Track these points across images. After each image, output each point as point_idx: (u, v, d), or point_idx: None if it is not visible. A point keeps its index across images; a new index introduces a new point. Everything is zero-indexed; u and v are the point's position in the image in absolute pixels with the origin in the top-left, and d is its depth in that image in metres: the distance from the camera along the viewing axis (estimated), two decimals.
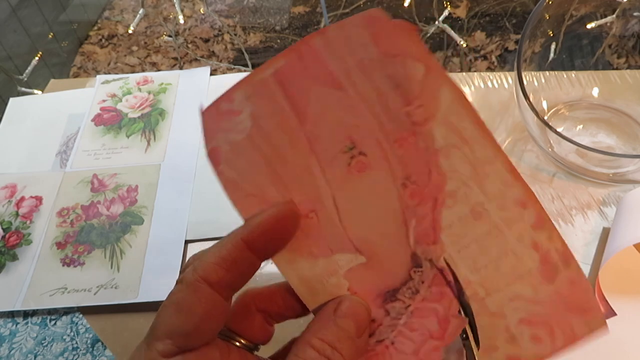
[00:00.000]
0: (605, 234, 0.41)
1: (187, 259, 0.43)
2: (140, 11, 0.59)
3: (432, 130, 0.22)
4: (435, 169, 0.22)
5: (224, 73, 0.62)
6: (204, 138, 0.23)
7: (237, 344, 0.23)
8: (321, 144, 0.23)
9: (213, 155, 0.24)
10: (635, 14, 0.51)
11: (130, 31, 0.66)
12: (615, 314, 0.36)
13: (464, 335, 0.22)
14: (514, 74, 0.44)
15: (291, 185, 0.23)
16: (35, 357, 0.39)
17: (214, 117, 0.23)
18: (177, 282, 0.21)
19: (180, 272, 0.23)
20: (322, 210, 0.23)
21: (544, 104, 0.51)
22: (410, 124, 0.22)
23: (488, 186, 0.22)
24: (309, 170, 0.23)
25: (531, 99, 0.43)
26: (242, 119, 0.23)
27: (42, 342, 0.40)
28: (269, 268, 0.37)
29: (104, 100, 0.57)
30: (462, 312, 0.22)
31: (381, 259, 0.23)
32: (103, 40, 1.77)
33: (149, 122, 0.55)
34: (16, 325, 0.41)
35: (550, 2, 0.46)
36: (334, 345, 0.21)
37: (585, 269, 0.40)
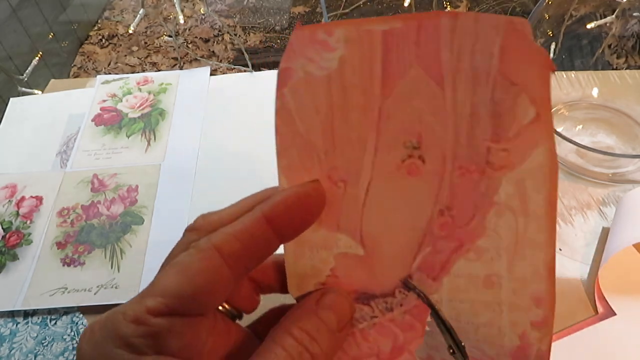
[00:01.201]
0: (605, 234, 0.41)
1: None
2: (141, 11, 0.59)
3: (501, 181, 0.20)
4: (480, 218, 0.20)
5: (224, 73, 0.62)
6: (284, 55, 0.21)
7: (221, 308, 0.22)
8: (390, 125, 0.21)
9: (283, 74, 0.21)
10: (634, 14, 0.51)
11: (130, 31, 0.66)
12: (615, 314, 0.36)
13: (452, 350, 0.22)
14: None
15: (339, 146, 0.21)
16: (35, 356, 0.39)
17: (305, 40, 0.21)
18: (189, 246, 0.20)
19: (187, 230, 0.22)
20: (352, 186, 0.21)
21: None
22: (484, 161, 0.20)
23: (517, 267, 0.20)
24: (363, 143, 0.21)
25: None
26: (332, 56, 0.21)
27: (43, 341, 0.40)
28: None
29: (104, 100, 0.57)
30: (454, 347, 0.22)
31: (377, 262, 0.22)
32: (103, 40, 1.78)
33: (149, 122, 0.55)
34: (16, 325, 0.41)
35: (550, 2, 0.46)
36: (313, 335, 0.20)
37: (585, 269, 0.40)
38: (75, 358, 0.39)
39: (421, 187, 0.21)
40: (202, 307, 0.20)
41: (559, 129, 0.48)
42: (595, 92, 0.52)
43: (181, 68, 0.63)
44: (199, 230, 0.22)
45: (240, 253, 0.20)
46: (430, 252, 0.21)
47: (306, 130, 0.22)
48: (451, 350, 0.22)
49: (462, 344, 0.22)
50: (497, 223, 0.20)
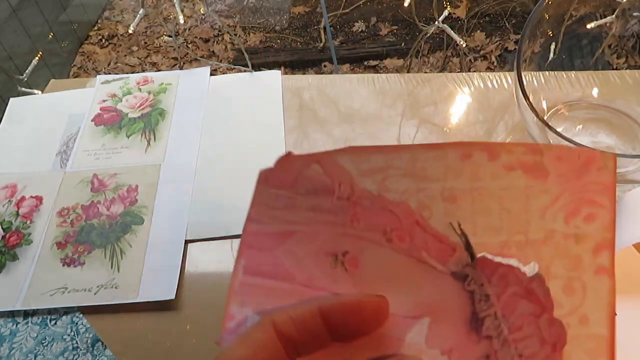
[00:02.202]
0: None
1: (187, 259, 0.43)
2: (140, 11, 0.59)
3: (362, 189, 0.22)
4: (394, 208, 0.22)
5: (224, 73, 0.62)
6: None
7: None
8: (315, 279, 0.23)
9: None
10: (634, 14, 0.51)
11: (130, 31, 0.66)
12: (615, 314, 0.36)
13: None
14: (514, 74, 0.44)
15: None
16: (35, 356, 0.39)
17: (231, 339, 0.23)
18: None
19: None
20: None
21: (544, 104, 0.51)
22: (346, 202, 0.22)
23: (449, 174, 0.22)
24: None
25: (531, 99, 0.43)
26: (251, 320, 0.23)
27: (42, 341, 0.40)
28: None
29: (104, 100, 0.57)
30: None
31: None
32: (103, 40, 1.78)
33: (149, 122, 0.55)
34: (16, 325, 0.41)
35: (550, 2, 0.46)
36: None
37: None
38: (74, 358, 0.39)
39: (368, 254, 0.23)
40: None
41: (559, 129, 0.48)
42: (595, 92, 0.52)
43: (181, 68, 0.63)
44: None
45: (293, 336, 0.21)
46: (427, 251, 0.22)
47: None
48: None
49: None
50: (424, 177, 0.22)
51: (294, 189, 0.23)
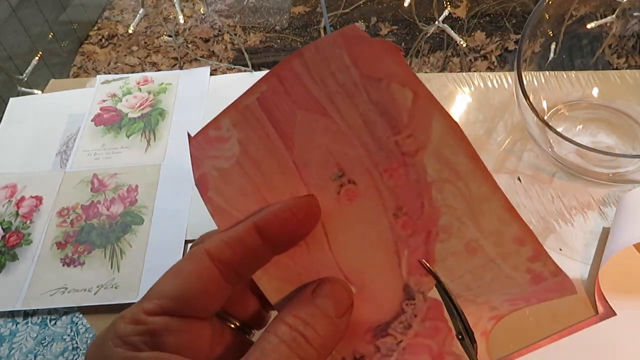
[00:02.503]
0: (605, 234, 0.41)
1: None
2: (140, 11, 0.59)
3: (424, 163, 0.21)
4: (427, 202, 0.21)
5: (224, 73, 0.62)
6: (192, 165, 0.23)
7: (232, 325, 0.23)
8: (309, 170, 0.22)
9: (201, 182, 0.23)
10: (635, 14, 0.51)
11: (130, 31, 0.66)
12: (615, 314, 0.36)
13: (460, 336, 0.22)
14: (514, 74, 0.44)
15: None
16: (35, 357, 0.39)
17: (202, 144, 0.23)
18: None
19: (191, 245, 0.23)
20: (311, 237, 0.22)
21: (544, 104, 0.51)
22: (399, 154, 0.21)
23: (484, 224, 0.21)
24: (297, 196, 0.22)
25: (531, 99, 0.43)
26: (230, 145, 0.22)
27: (42, 342, 0.40)
28: None
29: (104, 100, 0.57)
30: (459, 321, 0.22)
31: (372, 289, 0.22)
32: (103, 40, 1.78)
33: (149, 122, 0.55)
34: (16, 325, 0.41)
35: (550, 2, 0.46)
36: (307, 321, 0.20)
37: (585, 269, 0.40)
38: (74, 358, 0.39)
39: (367, 205, 0.22)
40: (197, 309, 0.21)
41: (559, 129, 0.48)
42: (595, 92, 0.52)
43: (181, 68, 0.63)
44: (200, 243, 0.22)
45: (230, 259, 0.21)
46: (409, 254, 0.22)
47: (245, 214, 0.22)
48: (460, 336, 0.22)
49: (471, 330, 0.22)
50: (443, 198, 0.21)
51: (367, 83, 0.21)
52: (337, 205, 0.22)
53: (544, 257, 0.21)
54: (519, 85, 0.44)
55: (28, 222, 0.46)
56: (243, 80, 0.58)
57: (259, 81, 0.22)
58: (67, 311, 0.41)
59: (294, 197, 0.22)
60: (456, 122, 0.20)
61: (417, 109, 0.20)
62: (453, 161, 0.21)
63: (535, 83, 0.52)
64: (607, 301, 0.37)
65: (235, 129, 0.22)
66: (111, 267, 0.43)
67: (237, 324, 0.23)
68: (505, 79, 0.56)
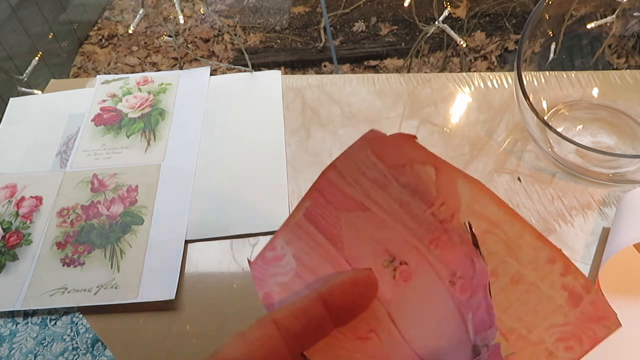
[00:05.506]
0: (605, 234, 0.41)
1: (187, 259, 0.43)
2: (140, 11, 0.59)
3: (462, 223, 0.23)
4: (476, 257, 0.23)
5: (224, 73, 0.62)
6: (256, 286, 0.25)
7: None
8: (362, 264, 0.24)
9: (266, 299, 0.25)
10: (635, 14, 0.51)
11: (130, 31, 0.66)
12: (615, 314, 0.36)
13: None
14: (514, 74, 0.44)
15: None
16: (35, 357, 0.39)
17: (262, 265, 0.25)
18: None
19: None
20: (380, 328, 0.23)
21: (544, 104, 0.51)
22: (438, 224, 0.23)
23: (522, 256, 0.23)
24: None
25: (531, 99, 0.43)
26: (287, 261, 0.24)
27: (42, 342, 0.40)
28: None
29: (104, 100, 0.57)
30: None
31: None
32: (103, 40, 1.78)
33: (149, 122, 0.55)
34: (16, 325, 0.41)
35: (550, 2, 0.46)
36: None
37: (585, 269, 0.40)
38: (74, 358, 0.39)
39: (423, 280, 0.23)
40: None
41: (559, 129, 0.48)
42: (595, 92, 0.52)
43: (181, 68, 0.63)
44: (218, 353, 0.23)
45: (296, 330, 0.21)
46: (473, 315, 0.23)
47: None
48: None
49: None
50: (487, 248, 0.23)
51: (394, 172, 0.23)
52: (397, 288, 0.23)
53: (573, 269, 0.23)
54: (519, 85, 0.44)
55: (28, 222, 0.46)
56: (243, 80, 0.58)
57: (302, 199, 0.25)
58: (67, 311, 0.41)
59: (354, 269, 0.23)
60: (478, 180, 0.23)
61: (441, 180, 0.23)
62: (486, 213, 0.23)
63: (535, 83, 0.52)
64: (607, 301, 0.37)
65: (288, 246, 0.25)
66: (111, 267, 0.43)
67: None
68: (505, 79, 0.56)
